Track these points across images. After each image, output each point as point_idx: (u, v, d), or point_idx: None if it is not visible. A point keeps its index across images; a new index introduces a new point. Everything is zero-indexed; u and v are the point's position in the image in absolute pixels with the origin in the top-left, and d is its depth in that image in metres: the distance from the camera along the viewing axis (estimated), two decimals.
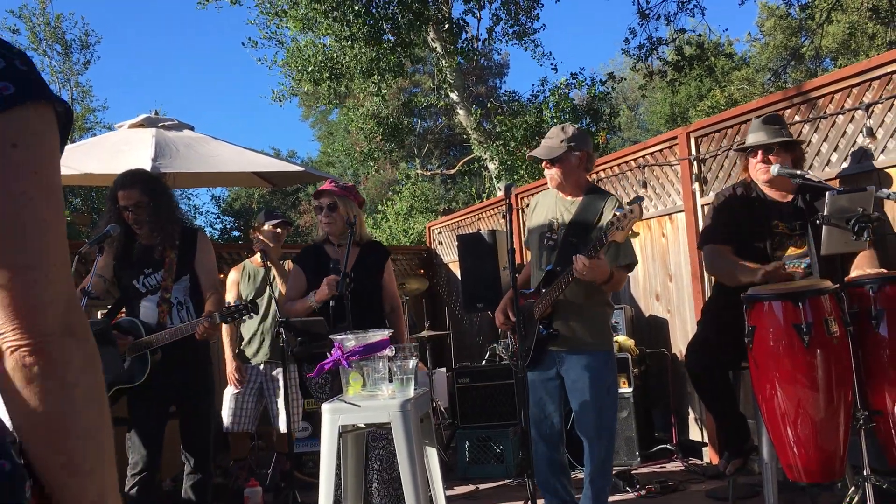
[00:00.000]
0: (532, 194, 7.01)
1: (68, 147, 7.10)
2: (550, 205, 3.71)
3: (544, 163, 3.63)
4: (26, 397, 0.91)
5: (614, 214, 3.15)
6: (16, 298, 0.90)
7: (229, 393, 5.10)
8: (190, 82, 65.81)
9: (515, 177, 11.98)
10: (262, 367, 5.13)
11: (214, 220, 30.63)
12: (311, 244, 4.22)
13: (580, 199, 3.62)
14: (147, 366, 3.65)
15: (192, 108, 63.13)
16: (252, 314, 3.84)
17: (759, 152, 3.72)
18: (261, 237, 5.02)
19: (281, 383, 4.96)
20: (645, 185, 5.79)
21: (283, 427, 5.00)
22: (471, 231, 8.38)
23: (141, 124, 6.24)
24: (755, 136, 3.80)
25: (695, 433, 5.53)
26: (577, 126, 3.65)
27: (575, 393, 3.52)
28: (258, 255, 5.10)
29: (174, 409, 3.88)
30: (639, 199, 3.14)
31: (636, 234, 3.21)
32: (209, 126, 59.98)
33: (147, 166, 5.50)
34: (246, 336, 5.18)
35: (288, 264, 5.11)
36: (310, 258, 4.06)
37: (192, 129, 6.52)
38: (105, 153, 5.83)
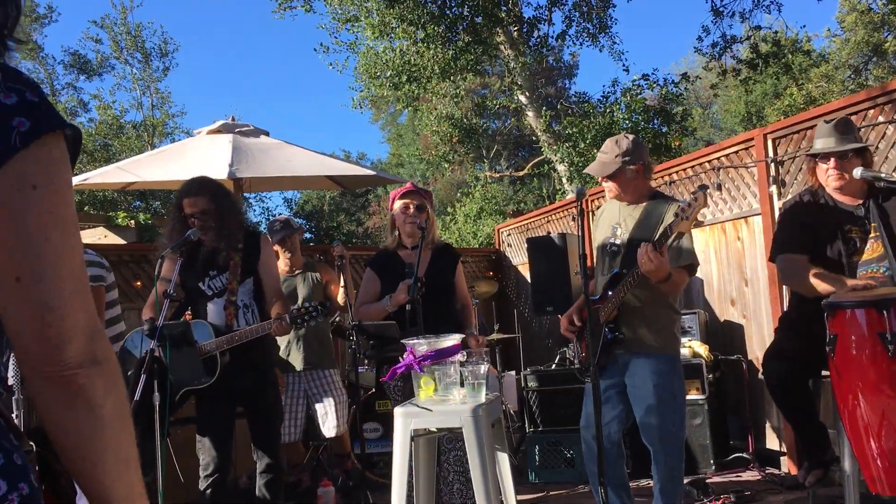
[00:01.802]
0: (604, 196, 6.94)
1: (150, 153, 7.36)
2: (614, 212, 3.70)
3: (602, 178, 3.61)
4: (56, 420, 1.00)
5: (679, 206, 3.13)
6: (40, 336, 0.96)
7: None
8: (263, 87, 67.27)
9: (584, 180, 11.88)
10: (303, 373, 5.15)
11: None
12: (383, 249, 4.26)
13: (643, 205, 3.59)
14: (217, 367, 3.74)
15: (266, 111, 64.46)
16: (324, 315, 3.89)
17: (832, 158, 3.59)
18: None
19: (322, 387, 5.04)
20: (720, 188, 5.68)
21: (328, 432, 5.06)
22: (540, 233, 8.35)
23: (218, 130, 6.42)
24: (825, 142, 3.66)
25: (772, 442, 5.39)
26: (631, 137, 3.62)
27: (638, 398, 3.49)
28: (282, 261, 5.18)
29: (241, 410, 3.96)
30: (704, 188, 3.10)
31: (700, 224, 3.17)
32: (281, 129, 61.24)
33: (224, 172, 5.66)
34: (282, 344, 5.17)
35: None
36: (384, 262, 4.10)
37: (267, 134, 6.68)
38: (184, 159, 6.03)
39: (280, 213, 31.52)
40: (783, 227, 3.85)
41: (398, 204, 4.06)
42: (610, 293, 3.51)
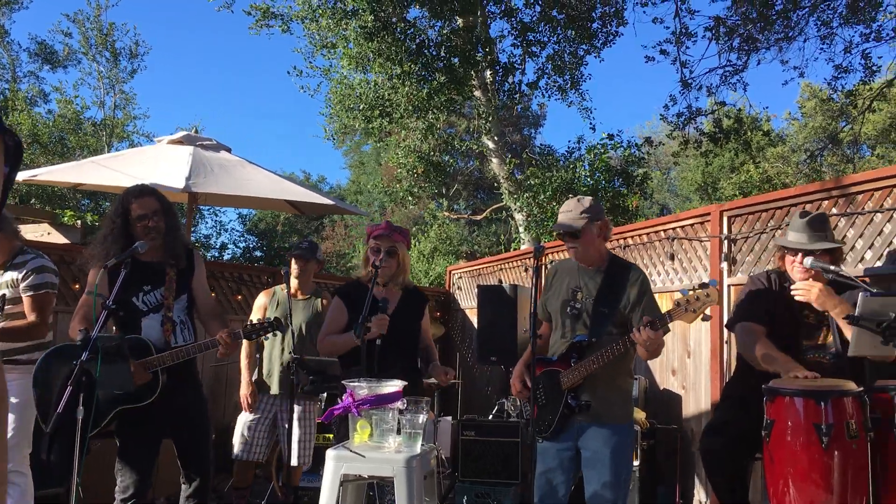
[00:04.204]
0: (557, 252, 6.98)
1: (108, 155, 7.21)
2: (573, 273, 3.69)
3: (565, 238, 3.62)
4: None
5: (684, 296, 3.14)
6: None
7: (243, 420, 5.02)
8: (231, 101, 66.83)
9: (541, 231, 11.96)
10: (278, 398, 5.05)
11: (238, 237, 30.83)
12: (356, 280, 4.19)
13: (604, 269, 3.61)
14: (158, 385, 3.62)
15: (229, 124, 63.96)
16: (277, 332, 3.80)
17: (800, 254, 3.68)
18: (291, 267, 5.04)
19: (295, 416, 4.91)
20: (672, 258, 5.76)
21: (293, 461, 4.96)
22: (492, 280, 8.36)
23: (180, 141, 6.34)
24: (797, 237, 3.75)
25: None
26: (590, 198, 3.66)
27: (594, 466, 3.45)
28: (293, 282, 5.12)
29: (170, 430, 3.83)
30: (713, 283, 3.14)
31: (708, 318, 3.19)
32: (244, 144, 60.81)
33: (181, 184, 5.57)
34: (265, 365, 5.11)
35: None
36: (354, 294, 3.95)
37: (229, 150, 6.61)
38: (142, 166, 5.92)
39: (234, 228, 31.14)
40: (746, 298, 3.91)
41: (371, 243, 3.97)
42: (574, 360, 3.49)
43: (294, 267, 5.08)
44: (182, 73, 62.23)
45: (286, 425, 4.96)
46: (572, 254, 3.65)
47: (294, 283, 5.14)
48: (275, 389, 5.02)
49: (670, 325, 3.31)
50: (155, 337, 3.72)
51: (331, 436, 4.96)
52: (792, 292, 3.55)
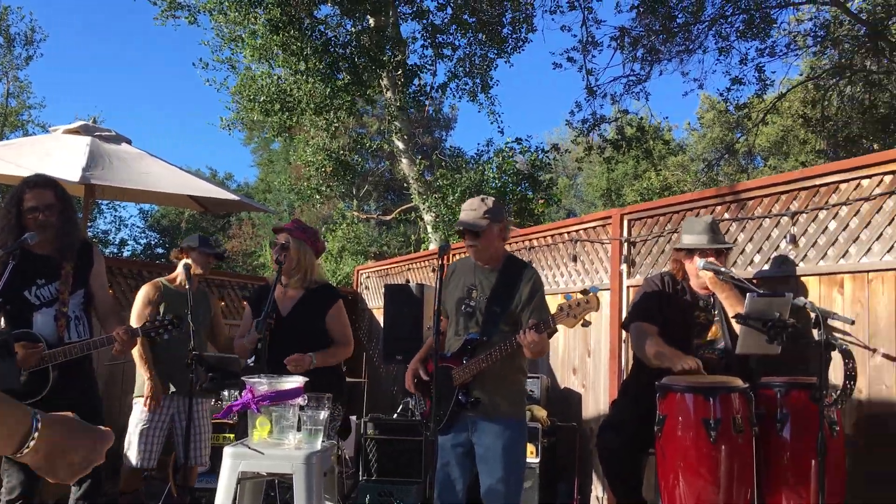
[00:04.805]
0: (464, 252, 7.04)
1: (1, 143, 6.86)
2: (469, 272, 3.74)
3: (467, 235, 3.67)
4: None
5: (567, 301, 3.20)
6: None
7: (138, 426, 4.72)
8: (133, 92, 64.65)
9: (449, 231, 12.05)
10: (175, 398, 4.82)
11: (139, 234, 29.83)
12: (266, 282, 4.19)
13: (499, 268, 3.67)
14: (48, 381, 3.48)
15: (131, 117, 61.82)
16: (179, 329, 3.71)
17: (711, 255, 3.86)
18: (189, 261, 4.84)
19: (196, 415, 4.76)
20: (575, 260, 5.89)
21: (192, 461, 4.80)
22: (400, 280, 8.36)
23: (77, 131, 6.09)
24: (698, 238, 3.95)
25: None
26: (494, 198, 3.73)
27: (486, 461, 3.51)
28: (179, 275, 4.92)
29: None
30: (594, 290, 3.20)
31: (588, 324, 3.25)
32: (147, 138, 58.89)
33: (77, 175, 5.35)
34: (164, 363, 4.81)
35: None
36: (259, 297, 4.08)
37: (129, 142, 6.39)
38: (35, 155, 5.67)
39: (134, 223, 30.05)
40: (642, 299, 4.08)
41: (274, 238, 4.03)
42: (466, 358, 3.53)
43: (200, 263, 4.90)
44: (82, 63, 59.88)
45: (183, 424, 4.81)
46: (471, 252, 3.69)
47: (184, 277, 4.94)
48: (171, 388, 4.83)
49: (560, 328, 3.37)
50: (47, 332, 3.57)
51: (231, 436, 4.82)
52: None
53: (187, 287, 4.35)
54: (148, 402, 4.69)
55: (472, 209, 3.66)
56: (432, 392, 3.50)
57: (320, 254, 4.13)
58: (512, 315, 3.52)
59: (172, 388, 4.80)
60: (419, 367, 3.79)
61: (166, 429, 4.81)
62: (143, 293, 4.90)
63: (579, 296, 3.17)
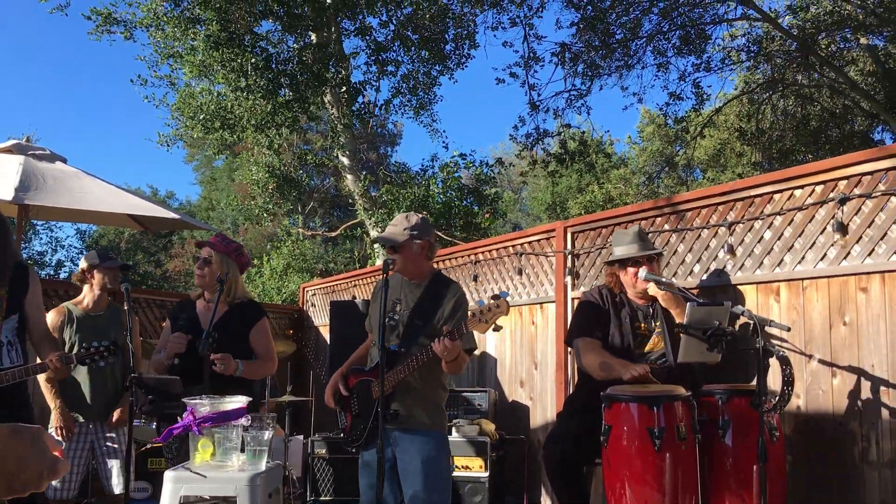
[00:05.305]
0: None
1: None
2: (396, 287, 3.74)
3: (387, 248, 3.69)
4: None
5: (479, 306, 3.20)
6: None
7: None
8: (69, 111, 63.22)
9: None
10: (91, 425, 4.60)
11: (77, 255, 28.95)
12: (186, 298, 4.09)
13: (424, 283, 3.69)
14: None
15: (67, 136, 60.42)
16: (114, 356, 3.60)
17: (643, 264, 3.97)
18: (99, 278, 4.66)
19: (112, 441, 4.60)
20: (520, 273, 5.93)
21: (117, 489, 4.62)
22: (346, 296, 8.31)
23: (9, 150, 5.91)
24: (628, 249, 4.03)
25: None
26: (421, 216, 3.75)
27: (408, 474, 3.50)
28: (86, 297, 4.72)
29: None
30: (504, 294, 3.20)
31: (500, 328, 3.26)
32: (85, 157, 57.57)
33: (9, 195, 5.20)
34: (75, 388, 4.57)
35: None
36: (179, 314, 3.99)
37: (64, 161, 6.23)
38: None
39: (71, 244, 29.28)
40: (581, 315, 4.14)
41: (195, 253, 3.97)
42: (386, 370, 3.51)
43: (104, 279, 4.66)
44: (12, 81, 58.36)
45: (103, 450, 4.61)
46: (395, 267, 3.69)
47: (94, 295, 4.70)
48: (87, 416, 4.56)
49: (520, 338, 3.38)
50: None
51: (162, 461, 4.66)
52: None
53: (126, 308, 4.18)
54: (59, 431, 4.45)
55: (395, 224, 3.68)
56: (353, 406, 3.51)
57: (245, 268, 4.06)
58: (434, 329, 3.51)
59: (81, 419, 4.56)
60: (339, 381, 3.77)
61: (85, 457, 4.62)
62: (49, 320, 4.46)
63: (490, 301, 3.19)
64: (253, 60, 11.67)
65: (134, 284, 4.90)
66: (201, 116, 12.49)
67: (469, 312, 3.25)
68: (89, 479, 4.82)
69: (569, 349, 5.35)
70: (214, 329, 3.63)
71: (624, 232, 4.25)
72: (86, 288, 4.67)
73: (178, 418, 2.98)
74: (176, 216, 6.77)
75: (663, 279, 3.86)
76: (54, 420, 4.46)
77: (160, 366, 3.86)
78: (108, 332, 4.57)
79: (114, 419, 4.53)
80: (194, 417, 2.87)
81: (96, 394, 4.60)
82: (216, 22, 11.30)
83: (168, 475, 2.82)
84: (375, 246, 13.34)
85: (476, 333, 3.36)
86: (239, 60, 11.55)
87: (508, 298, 3.18)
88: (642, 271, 3.90)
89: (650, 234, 4.76)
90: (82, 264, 4.75)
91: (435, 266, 3.92)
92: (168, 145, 14.01)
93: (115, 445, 4.66)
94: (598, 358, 3.83)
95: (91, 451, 4.62)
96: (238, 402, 2.95)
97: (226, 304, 3.92)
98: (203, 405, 2.88)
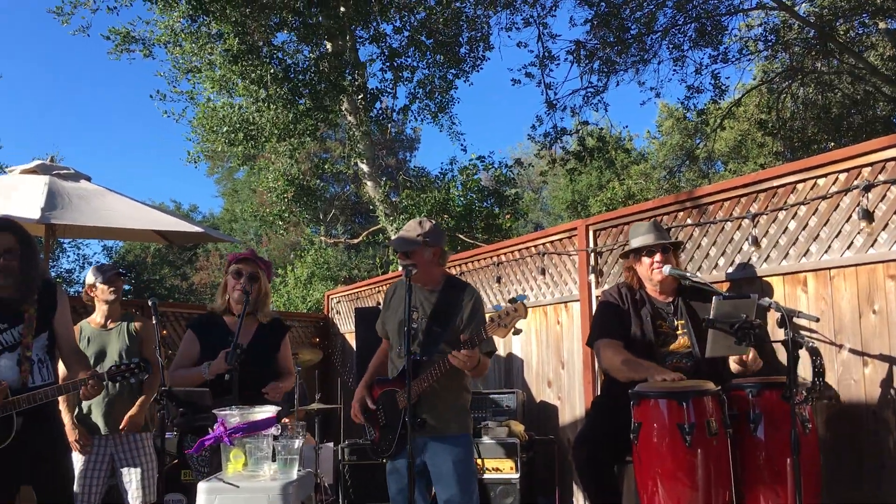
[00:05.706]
0: None
1: None
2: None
3: (399, 254, 3.70)
4: None
5: (497, 311, 3.21)
6: None
7: (77, 472, 4.45)
8: (91, 129, 64.00)
9: None
10: (110, 437, 4.65)
11: None
12: (210, 311, 4.10)
13: (438, 289, 3.69)
14: (12, 428, 3.39)
15: (91, 154, 61.17)
16: (145, 373, 3.63)
17: (658, 252, 3.90)
18: (100, 290, 4.73)
19: (131, 453, 4.65)
20: (543, 272, 5.92)
21: (133, 502, 4.64)
22: (370, 303, 8.34)
23: (34, 170, 5.99)
24: (644, 239, 3.99)
25: None
26: (433, 222, 3.76)
27: (440, 479, 3.53)
28: (97, 314, 4.79)
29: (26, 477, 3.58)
30: (521, 298, 3.20)
31: (519, 332, 3.26)
32: (108, 174, 58.26)
33: (36, 215, 5.26)
34: (86, 403, 4.63)
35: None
36: (206, 326, 3.97)
37: (89, 179, 6.30)
38: None
39: (99, 261, 29.58)
40: (601, 315, 4.11)
41: (233, 268, 3.99)
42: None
43: (107, 292, 4.73)
44: (37, 101, 59.22)
45: (124, 459, 4.65)
46: (415, 271, 3.70)
47: (104, 309, 4.77)
48: (104, 429, 4.61)
49: (545, 338, 3.38)
50: (10, 377, 3.49)
51: (189, 472, 4.67)
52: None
53: (154, 322, 4.22)
54: (75, 446, 4.49)
55: (408, 230, 3.70)
56: (379, 418, 3.56)
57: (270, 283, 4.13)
58: (454, 334, 3.52)
59: (103, 431, 4.62)
60: (365, 394, 3.80)
61: (105, 470, 4.66)
62: None
63: (508, 305, 3.19)
64: (272, 71, 11.74)
65: (161, 298, 4.97)
66: (224, 129, 12.58)
67: (487, 318, 3.25)
68: (111, 492, 4.86)
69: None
70: (250, 347, 3.67)
71: (639, 224, 4.21)
72: (96, 304, 4.77)
73: (209, 430, 3.01)
74: (200, 229, 6.83)
75: (687, 273, 3.83)
76: (69, 435, 4.44)
77: (195, 380, 3.81)
78: (112, 348, 4.67)
79: (124, 423, 4.57)
80: (225, 428, 2.89)
81: (114, 406, 4.67)
82: (233, 35, 11.39)
83: (201, 486, 2.84)
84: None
85: (496, 338, 3.37)
86: (258, 72, 11.63)
87: (526, 301, 3.19)
88: (667, 268, 3.87)
89: (673, 229, 4.73)
90: (87, 282, 4.87)
91: (452, 270, 3.93)
92: (196, 162, 14.13)
93: (135, 455, 4.70)
94: (620, 356, 3.81)
95: (111, 464, 4.68)
96: (267, 411, 2.97)
97: (257, 320, 3.97)
98: (233, 416, 2.90)
